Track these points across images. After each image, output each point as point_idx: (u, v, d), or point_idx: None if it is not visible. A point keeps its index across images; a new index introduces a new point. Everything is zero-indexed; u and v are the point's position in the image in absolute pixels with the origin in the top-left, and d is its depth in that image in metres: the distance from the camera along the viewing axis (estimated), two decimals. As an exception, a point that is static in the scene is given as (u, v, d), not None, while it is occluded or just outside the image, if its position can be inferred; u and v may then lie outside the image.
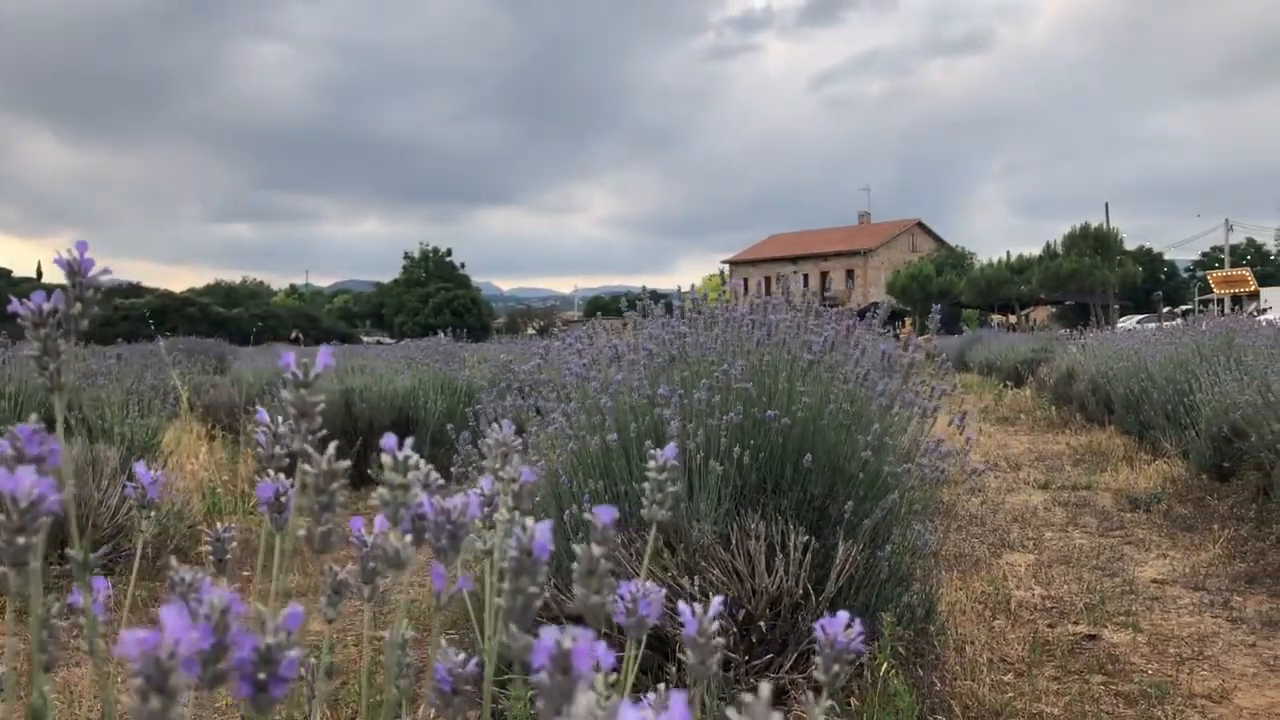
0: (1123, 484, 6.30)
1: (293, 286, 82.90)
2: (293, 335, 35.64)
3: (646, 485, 0.78)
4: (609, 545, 0.62)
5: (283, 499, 0.78)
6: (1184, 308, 33.56)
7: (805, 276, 57.41)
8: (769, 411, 2.80)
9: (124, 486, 4.32)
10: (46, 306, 0.62)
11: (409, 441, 0.66)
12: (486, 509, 0.73)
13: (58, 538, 2.49)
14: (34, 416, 0.58)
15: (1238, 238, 55.73)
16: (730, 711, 0.45)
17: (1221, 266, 46.33)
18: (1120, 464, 6.96)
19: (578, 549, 0.62)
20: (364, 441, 6.13)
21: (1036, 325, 36.40)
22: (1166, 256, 59.13)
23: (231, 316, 44.41)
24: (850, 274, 59.21)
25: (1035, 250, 43.34)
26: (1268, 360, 5.76)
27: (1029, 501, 5.95)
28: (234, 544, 0.94)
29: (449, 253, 61.29)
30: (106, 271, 0.64)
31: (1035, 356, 14.85)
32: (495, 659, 0.72)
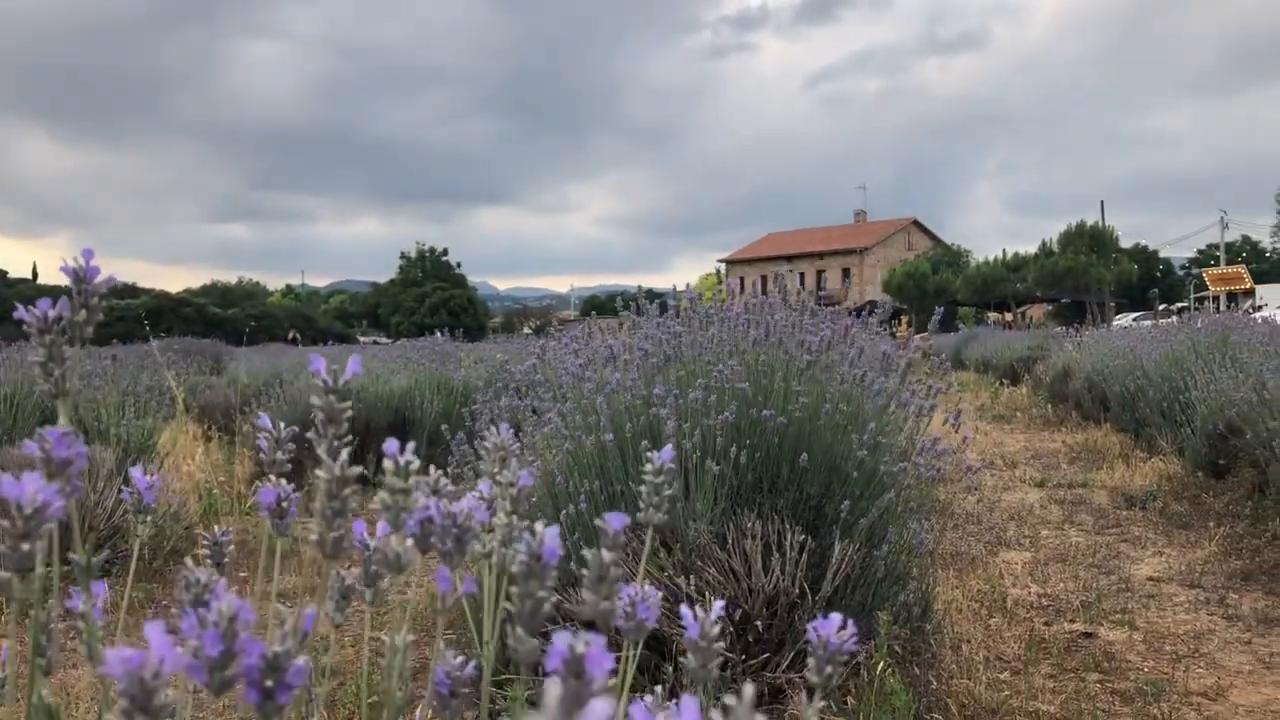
0: (1119, 482, 6.31)
1: (289, 287, 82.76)
2: (290, 336, 35.59)
3: (644, 488, 0.78)
4: (619, 551, 0.62)
5: (284, 504, 0.78)
6: (1179, 305, 33.61)
7: (801, 275, 57.44)
8: (765, 411, 2.81)
9: (120, 490, 4.32)
10: (52, 313, 0.62)
11: (410, 446, 0.66)
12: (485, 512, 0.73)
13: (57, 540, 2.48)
14: (62, 419, 0.58)
15: (1233, 235, 55.88)
16: (715, 714, 0.45)
17: (1217, 264, 46.41)
18: (1116, 462, 6.98)
19: (586, 553, 0.63)
20: (360, 442, 6.11)
21: (1032, 323, 36.43)
22: (1162, 254, 59.21)
23: (227, 317, 44.33)
24: (846, 272, 59.26)
25: (1031, 248, 43.43)
26: (1263, 357, 5.78)
27: (1025, 499, 5.97)
28: (231, 546, 0.94)
29: (445, 252, 61.22)
30: (111, 279, 0.65)
31: (1031, 354, 14.87)
32: (493, 661, 0.72)
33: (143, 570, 4.09)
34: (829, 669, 0.64)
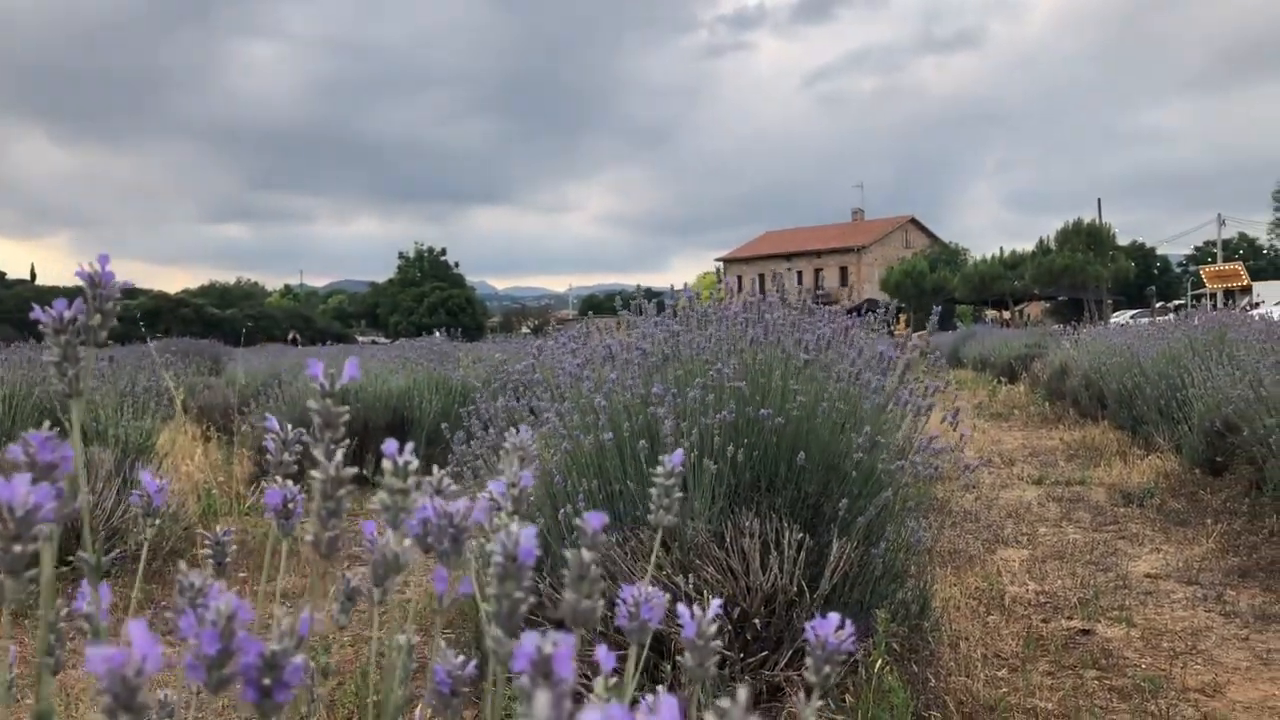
0: (1116, 479, 6.32)
1: (287, 287, 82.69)
2: (289, 336, 35.58)
3: (654, 490, 0.79)
4: (599, 550, 0.62)
5: (290, 505, 0.78)
6: (1177, 303, 33.65)
7: (799, 274, 57.45)
8: (763, 410, 2.81)
9: (119, 490, 4.32)
10: (67, 314, 0.63)
11: (409, 446, 0.67)
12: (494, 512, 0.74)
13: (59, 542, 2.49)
14: (46, 422, 0.58)
15: (1230, 232, 55.94)
16: (709, 715, 0.45)
17: (1214, 261, 46.43)
18: (1114, 459, 6.99)
19: (567, 554, 0.63)
20: (359, 442, 6.13)
21: (1030, 321, 36.47)
22: (1159, 251, 59.23)
23: (226, 317, 44.29)
24: (844, 271, 59.28)
25: (1028, 246, 43.45)
26: (1260, 355, 5.79)
27: (1023, 497, 5.97)
28: (233, 547, 0.94)
29: (443, 252, 61.17)
30: (127, 283, 0.65)
31: (1029, 352, 14.89)
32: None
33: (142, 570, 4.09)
34: (827, 668, 0.65)
